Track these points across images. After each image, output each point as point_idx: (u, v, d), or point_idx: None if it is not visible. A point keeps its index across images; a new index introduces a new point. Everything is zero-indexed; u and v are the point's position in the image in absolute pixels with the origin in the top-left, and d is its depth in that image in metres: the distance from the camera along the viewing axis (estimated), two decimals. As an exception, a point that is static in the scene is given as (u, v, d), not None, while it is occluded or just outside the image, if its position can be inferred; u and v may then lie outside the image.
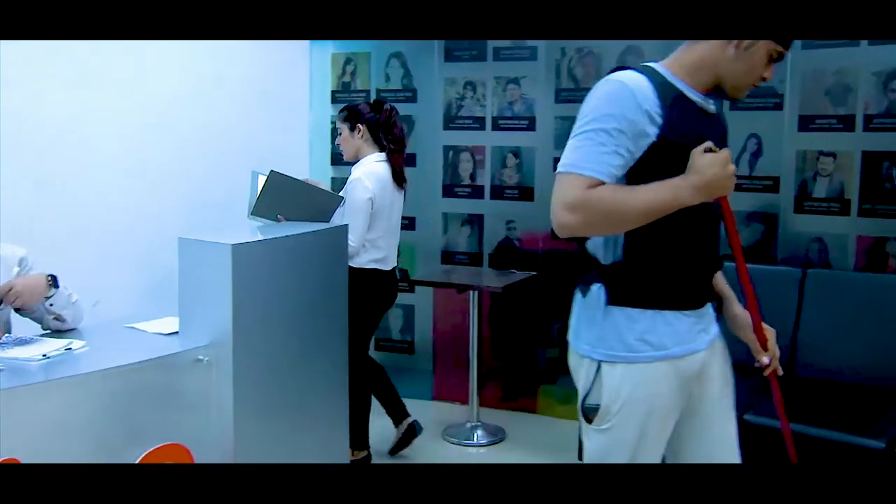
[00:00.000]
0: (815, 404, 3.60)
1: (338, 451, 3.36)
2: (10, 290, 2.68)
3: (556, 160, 4.56)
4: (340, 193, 3.90)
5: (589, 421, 2.11)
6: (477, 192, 4.97)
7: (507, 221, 4.92)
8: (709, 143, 1.94)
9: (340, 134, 4.05)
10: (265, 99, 4.98)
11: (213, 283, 2.76)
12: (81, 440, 2.49)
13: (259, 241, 2.90)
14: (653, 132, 1.95)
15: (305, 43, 5.18)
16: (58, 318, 2.92)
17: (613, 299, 2.06)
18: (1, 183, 3.57)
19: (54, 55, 3.82)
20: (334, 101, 5.20)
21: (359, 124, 3.98)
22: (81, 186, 3.99)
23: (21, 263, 2.95)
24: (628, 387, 2.05)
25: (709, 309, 2.18)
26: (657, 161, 1.96)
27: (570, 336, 2.18)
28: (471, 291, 4.49)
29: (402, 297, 5.14)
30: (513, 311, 4.90)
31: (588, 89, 2.07)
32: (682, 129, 1.97)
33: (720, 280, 2.26)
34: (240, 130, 4.83)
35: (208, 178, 4.36)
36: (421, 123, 5.06)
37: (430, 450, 4.40)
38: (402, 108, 5.02)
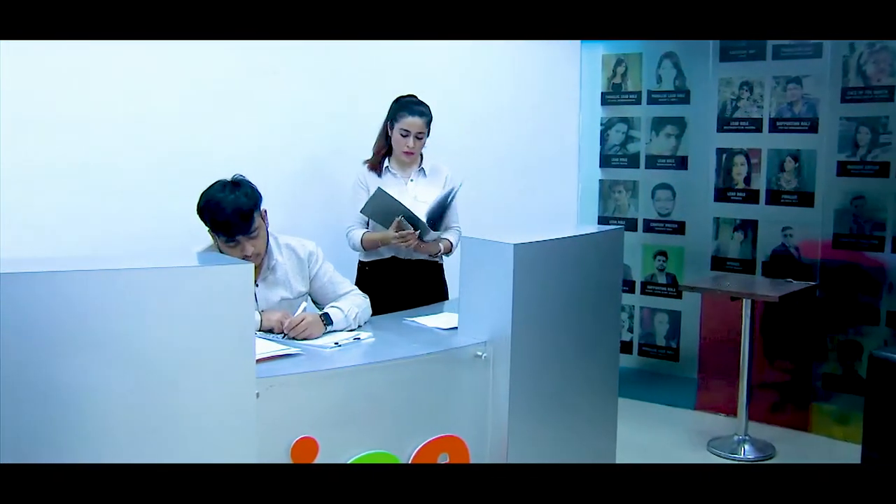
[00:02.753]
0: None
1: (605, 455, 3.33)
2: (300, 321, 2.90)
3: (840, 164, 4.37)
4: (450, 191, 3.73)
5: None
6: (751, 196, 4.76)
7: (784, 228, 4.69)
8: None
9: (427, 136, 3.80)
10: (535, 99, 5.04)
11: (494, 280, 2.81)
12: (367, 425, 2.62)
13: (539, 241, 2.92)
14: None
15: (576, 43, 5.18)
16: None
17: None
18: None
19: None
20: (604, 102, 5.18)
21: None
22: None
23: (310, 257, 3.16)
24: None
25: None
26: None
27: None
28: (744, 300, 4.31)
29: (669, 303, 5.06)
30: (787, 322, 4.66)
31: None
32: None
33: None
34: (509, 131, 4.91)
35: (478, 180, 4.45)
36: (693, 125, 4.93)
37: (695, 461, 4.26)
38: (674, 110, 4.96)
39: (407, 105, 3.75)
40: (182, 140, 3.68)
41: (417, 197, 3.74)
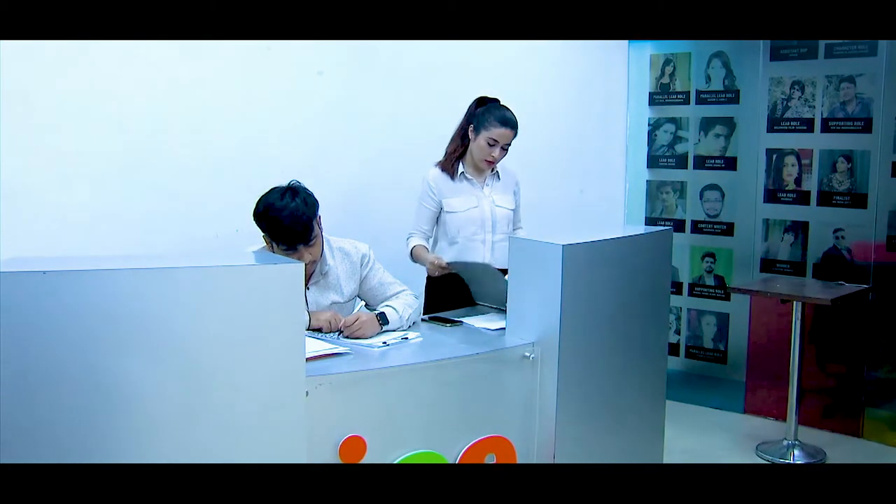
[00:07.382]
0: None
1: (652, 457, 3.31)
2: (355, 321, 2.91)
3: (895, 165, 4.27)
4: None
5: None
6: (802, 197, 4.70)
7: (835, 230, 4.61)
8: None
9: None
10: (582, 100, 5.02)
11: (542, 281, 2.80)
12: (415, 424, 2.63)
13: (588, 241, 2.91)
14: None
15: (624, 43, 5.15)
16: None
17: None
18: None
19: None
20: (652, 102, 5.14)
21: None
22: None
23: (363, 259, 3.17)
24: None
25: None
26: None
27: None
28: (794, 302, 4.25)
29: (717, 305, 5.01)
30: (839, 325, 4.59)
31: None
32: None
33: None
34: (556, 132, 4.89)
35: (525, 180, 4.43)
36: (742, 126, 4.87)
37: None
38: (724, 110, 4.91)
39: (498, 112, 3.53)
40: (232, 140, 3.71)
41: (496, 201, 3.63)
